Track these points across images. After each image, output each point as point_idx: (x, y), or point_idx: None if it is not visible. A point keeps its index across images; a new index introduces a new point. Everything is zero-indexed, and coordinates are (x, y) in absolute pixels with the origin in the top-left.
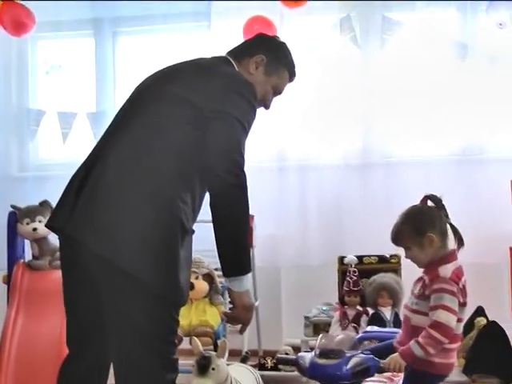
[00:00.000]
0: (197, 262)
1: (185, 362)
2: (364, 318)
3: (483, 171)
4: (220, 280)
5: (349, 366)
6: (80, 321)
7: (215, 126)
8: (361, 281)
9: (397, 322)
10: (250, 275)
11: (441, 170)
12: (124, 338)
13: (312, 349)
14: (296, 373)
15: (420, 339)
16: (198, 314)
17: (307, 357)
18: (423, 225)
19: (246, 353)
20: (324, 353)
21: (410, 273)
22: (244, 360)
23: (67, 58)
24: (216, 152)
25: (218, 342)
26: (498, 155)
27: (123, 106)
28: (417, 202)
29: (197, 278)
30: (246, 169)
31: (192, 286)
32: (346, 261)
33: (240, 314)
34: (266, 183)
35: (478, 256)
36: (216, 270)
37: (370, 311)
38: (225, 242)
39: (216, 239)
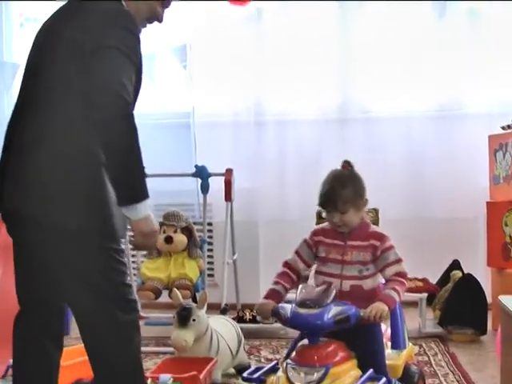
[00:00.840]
0: (175, 215)
1: (165, 315)
2: None
3: (461, 126)
4: (199, 234)
5: (330, 315)
6: (33, 286)
7: (98, 61)
8: None
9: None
10: (147, 202)
11: (419, 125)
12: (77, 291)
13: (290, 302)
14: (274, 325)
15: (395, 287)
16: (176, 268)
17: (288, 307)
18: (361, 189)
19: (226, 305)
20: (305, 303)
21: (388, 226)
22: (223, 312)
23: (43, 10)
24: (100, 85)
25: (197, 294)
26: (476, 110)
27: (29, 57)
28: (397, 156)
29: (175, 231)
30: (222, 122)
31: (170, 240)
32: (324, 215)
33: (139, 241)
34: (243, 137)
35: (454, 211)
36: (195, 223)
37: None
38: (116, 171)
39: (107, 170)
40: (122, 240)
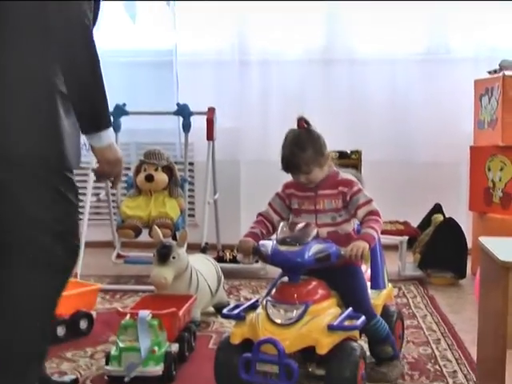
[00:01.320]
0: (156, 154)
1: (145, 254)
2: None
3: (447, 70)
4: (180, 173)
5: (310, 253)
6: None
7: None
8: None
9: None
10: (110, 130)
11: (405, 68)
12: (19, 224)
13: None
14: (254, 265)
15: (371, 225)
16: (157, 206)
17: (269, 244)
18: (321, 146)
19: (206, 244)
20: (285, 240)
21: (370, 168)
22: (204, 250)
23: None
24: (61, 14)
25: (177, 233)
26: (463, 55)
27: None
28: (381, 99)
29: (156, 169)
30: (205, 61)
31: (151, 178)
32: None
33: (105, 169)
34: (226, 76)
35: (438, 155)
36: (176, 163)
37: None
38: (79, 99)
39: (69, 99)
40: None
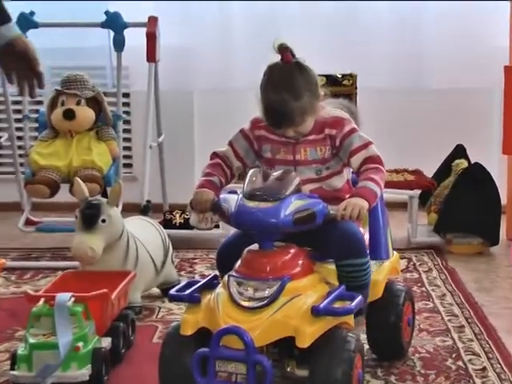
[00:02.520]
0: (78, 81)
1: (64, 219)
2: None
3: None
4: (111, 108)
5: (288, 211)
6: None
7: None
8: None
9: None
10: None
11: None
12: None
13: (235, 193)
14: (214, 231)
15: (371, 176)
16: (80, 153)
17: (233, 199)
18: (316, 86)
19: (147, 202)
20: (255, 194)
21: (368, 98)
22: (145, 211)
23: None
24: None
25: (108, 189)
26: None
27: None
28: (385, 7)
29: (78, 103)
30: None
31: (72, 114)
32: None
33: (17, 66)
34: None
35: (458, 80)
36: (105, 94)
37: None
38: None
39: None
40: None
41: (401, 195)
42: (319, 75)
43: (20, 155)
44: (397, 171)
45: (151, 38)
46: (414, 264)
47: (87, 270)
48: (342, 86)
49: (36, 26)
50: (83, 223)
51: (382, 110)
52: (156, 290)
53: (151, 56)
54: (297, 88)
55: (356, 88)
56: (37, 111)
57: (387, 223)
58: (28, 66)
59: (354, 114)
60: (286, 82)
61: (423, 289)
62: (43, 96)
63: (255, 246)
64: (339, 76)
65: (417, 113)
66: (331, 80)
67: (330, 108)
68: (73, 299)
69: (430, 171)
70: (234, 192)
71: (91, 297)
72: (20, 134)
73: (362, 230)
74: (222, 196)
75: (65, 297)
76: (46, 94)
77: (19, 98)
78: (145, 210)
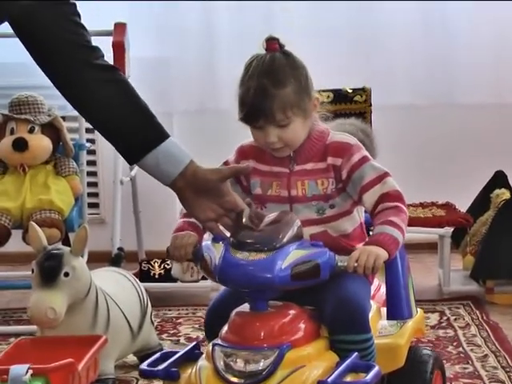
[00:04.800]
0: (31, 104)
1: (17, 273)
2: None
3: None
4: (72, 136)
5: (285, 264)
6: None
7: None
8: None
9: None
10: None
11: None
12: None
13: (222, 240)
14: (201, 284)
15: (391, 219)
16: (35, 191)
17: (217, 247)
18: (308, 82)
19: (119, 249)
20: (245, 241)
21: (386, 119)
22: (116, 261)
23: None
24: None
25: (71, 235)
26: None
27: None
28: (406, 10)
29: (31, 130)
30: None
31: (24, 144)
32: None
33: None
34: None
35: (498, 94)
36: (64, 118)
37: None
38: None
39: None
40: None
41: (429, 234)
42: (325, 90)
43: None
44: (423, 205)
45: (118, 49)
46: (448, 319)
47: (47, 335)
48: (354, 103)
49: None
50: (41, 278)
51: (402, 131)
52: (132, 358)
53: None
54: (279, 75)
55: (370, 105)
56: None
57: (408, 272)
58: None
59: (369, 136)
60: (266, 67)
61: (460, 349)
62: None
63: (246, 307)
64: (349, 91)
65: (445, 134)
66: (340, 96)
67: (335, 132)
68: (30, 372)
69: (463, 204)
70: (220, 239)
71: (53, 368)
72: None
73: (376, 281)
74: (204, 243)
75: (21, 369)
76: None
77: None
78: (116, 259)
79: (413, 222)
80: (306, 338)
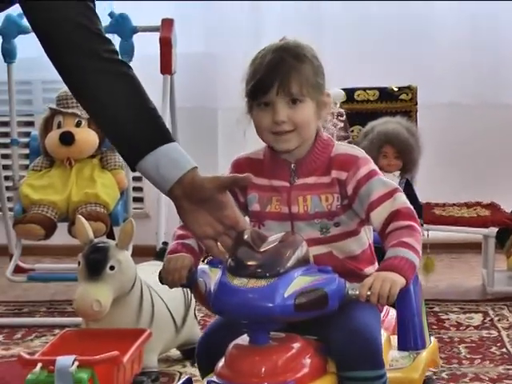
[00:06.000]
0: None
1: (62, 266)
2: None
3: None
4: None
5: (289, 293)
6: None
7: None
8: (350, 129)
9: (408, 197)
10: None
11: None
12: None
13: (219, 264)
14: None
15: (404, 240)
16: (81, 185)
17: (213, 273)
18: (322, 72)
19: (164, 243)
20: (244, 266)
21: (429, 116)
22: (161, 255)
23: None
24: None
25: (116, 229)
26: None
27: None
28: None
29: (78, 124)
30: None
31: (70, 138)
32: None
33: None
34: None
35: None
36: None
37: None
38: None
39: None
40: None
41: (473, 234)
42: (371, 88)
43: (7, 188)
44: (468, 205)
45: (166, 44)
46: (492, 319)
47: (92, 327)
48: (399, 102)
49: (26, 31)
50: (88, 271)
51: (449, 129)
52: (176, 352)
53: (166, 66)
54: (297, 49)
55: (416, 104)
56: (27, 134)
57: (420, 298)
58: None
59: (414, 134)
60: (283, 44)
61: (503, 350)
62: (35, 116)
63: (245, 340)
64: (395, 89)
65: (491, 134)
66: (386, 94)
67: (340, 144)
68: (76, 363)
69: (508, 205)
70: (217, 263)
71: (99, 360)
72: (7, 162)
73: (386, 309)
74: (199, 267)
75: (67, 361)
76: (38, 113)
77: (6, 119)
78: (161, 253)
79: (457, 222)
80: (312, 374)
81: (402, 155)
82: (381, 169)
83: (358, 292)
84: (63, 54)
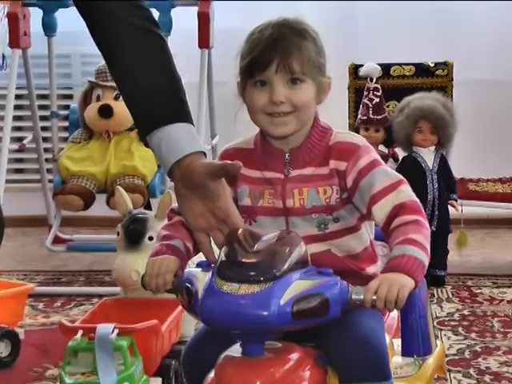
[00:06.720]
0: None
1: (100, 237)
2: (390, 165)
3: None
4: None
5: (285, 299)
6: None
7: None
8: (386, 105)
9: (443, 172)
10: None
11: None
12: None
13: (208, 266)
14: None
15: (411, 236)
16: (119, 157)
17: (201, 277)
18: (324, 53)
19: None
20: (235, 270)
21: (468, 92)
22: None
23: None
24: None
25: (153, 201)
26: None
27: None
28: None
29: (117, 97)
30: None
31: (109, 111)
32: (362, 72)
33: None
34: None
35: None
36: None
37: (401, 154)
38: None
39: None
40: None
41: (507, 210)
42: (407, 64)
43: (47, 160)
44: (502, 181)
45: (203, 19)
46: None
47: (131, 297)
48: (435, 77)
49: (67, 5)
50: (127, 241)
51: (484, 106)
52: None
53: (204, 41)
54: (299, 26)
55: (452, 80)
56: (67, 107)
57: (426, 299)
58: None
59: (450, 110)
60: (283, 20)
61: None
62: (74, 89)
63: (237, 350)
64: (431, 65)
65: None
66: (421, 70)
67: (339, 132)
68: (117, 331)
69: None
70: (205, 265)
71: (139, 329)
72: (47, 134)
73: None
74: (186, 271)
75: (107, 328)
76: (77, 86)
77: (46, 92)
78: None
79: (491, 198)
80: None
81: (437, 130)
82: (416, 144)
83: (362, 297)
84: (100, 18)
